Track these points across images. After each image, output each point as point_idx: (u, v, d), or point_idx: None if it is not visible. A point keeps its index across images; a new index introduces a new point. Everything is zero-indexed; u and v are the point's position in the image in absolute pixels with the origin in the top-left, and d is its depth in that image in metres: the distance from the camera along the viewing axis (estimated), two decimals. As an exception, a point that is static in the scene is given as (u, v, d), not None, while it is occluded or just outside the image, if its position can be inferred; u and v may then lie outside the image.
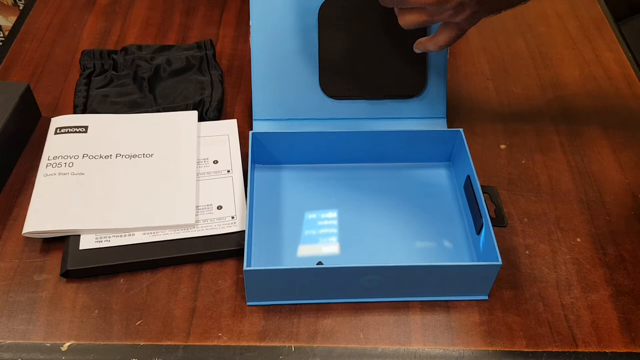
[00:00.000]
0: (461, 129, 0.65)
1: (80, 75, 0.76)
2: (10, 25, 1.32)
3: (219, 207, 0.62)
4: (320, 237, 0.61)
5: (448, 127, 0.70)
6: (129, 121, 0.69)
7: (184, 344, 0.53)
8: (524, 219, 0.64)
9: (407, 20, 0.58)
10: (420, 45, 0.64)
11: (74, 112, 0.72)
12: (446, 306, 0.57)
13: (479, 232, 0.59)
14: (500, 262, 0.54)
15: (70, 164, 0.63)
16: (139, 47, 0.79)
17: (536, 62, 0.84)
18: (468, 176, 0.63)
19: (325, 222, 0.63)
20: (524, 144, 0.72)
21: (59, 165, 0.63)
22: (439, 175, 0.68)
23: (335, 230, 0.62)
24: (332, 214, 0.63)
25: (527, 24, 0.90)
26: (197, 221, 0.60)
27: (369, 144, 0.66)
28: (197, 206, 0.61)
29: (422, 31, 0.67)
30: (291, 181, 0.66)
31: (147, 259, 0.58)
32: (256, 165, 0.67)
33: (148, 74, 0.75)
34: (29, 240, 0.60)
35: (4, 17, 1.44)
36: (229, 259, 0.60)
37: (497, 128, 0.74)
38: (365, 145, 0.66)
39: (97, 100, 0.72)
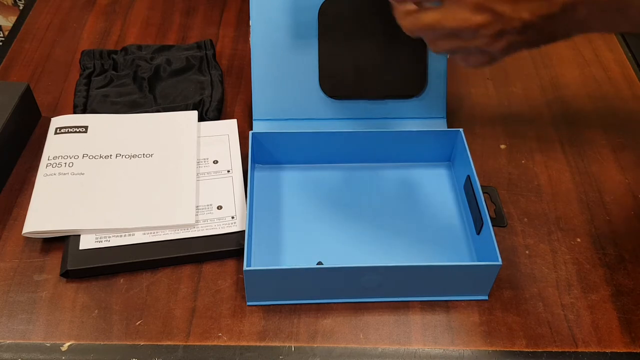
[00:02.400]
0: (461, 129, 0.65)
1: (80, 75, 0.75)
2: (10, 25, 1.32)
3: (219, 207, 0.62)
4: (320, 237, 0.61)
5: (448, 127, 0.70)
6: (129, 121, 0.69)
7: (184, 344, 0.53)
8: (524, 219, 0.64)
9: (439, 46, 0.54)
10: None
11: (74, 112, 0.71)
12: (446, 306, 0.57)
13: (479, 232, 0.59)
14: (500, 262, 0.54)
15: (70, 164, 0.63)
16: (139, 47, 0.79)
17: (536, 62, 0.84)
18: (468, 176, 0.63)
19: (325, 222, 0.63)
20: (524, 144, 0.72)
21: (59, 165, 0.63)
22: (439, 175, 0.68)
23: (335, 230, 0.62)
24: (332, 214, 0.63)
25: (527, 24, 0.90)
26: (197, 221, 0.60)
27: (369, 144, 0.66)
28: (197, 206, 0.61)
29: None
30: (291, 181, 0.66)
31: (147, 259, 0.58)
32: (256, 165, 0.67)
33: (148, 74, 0.75)
34: (29, 240, 0.60)
35: (4, 17, 1.44)
36: (229, 259, 0.60)
37: (497, 128, 0.74)
38: (365, 145, 0.66)
39: (97, 100, 0.72)
